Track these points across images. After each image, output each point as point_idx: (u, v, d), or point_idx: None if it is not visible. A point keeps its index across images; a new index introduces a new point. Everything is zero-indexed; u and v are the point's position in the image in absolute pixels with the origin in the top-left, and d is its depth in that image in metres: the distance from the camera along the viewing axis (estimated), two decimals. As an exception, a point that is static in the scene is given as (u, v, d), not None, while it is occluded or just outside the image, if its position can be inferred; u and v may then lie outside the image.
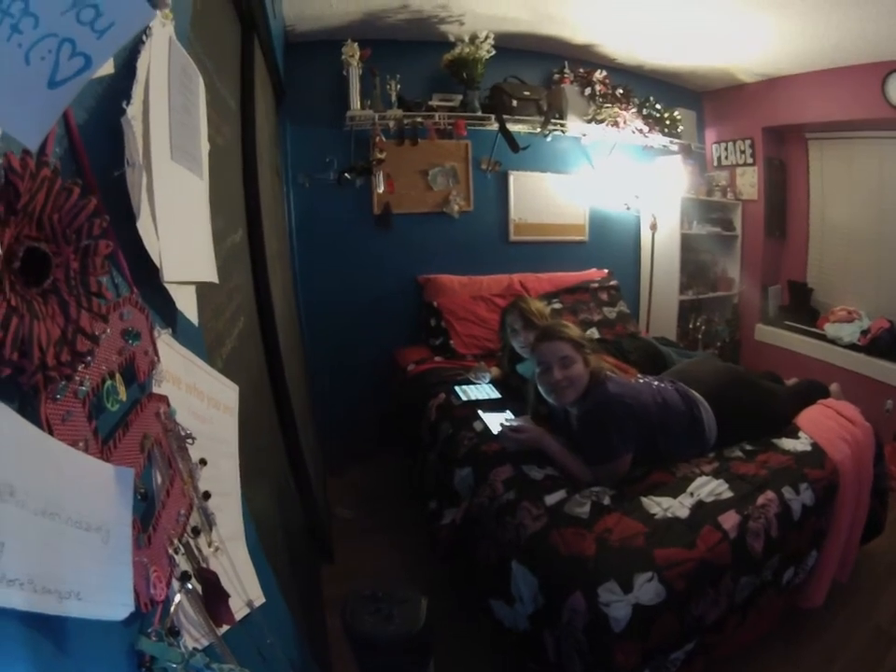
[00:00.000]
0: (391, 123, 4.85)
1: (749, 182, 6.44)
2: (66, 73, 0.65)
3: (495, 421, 3.44)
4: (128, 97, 0.91)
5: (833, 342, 5.61)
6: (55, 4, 0.64)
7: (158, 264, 0.97)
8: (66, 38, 0.65)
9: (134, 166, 0.90)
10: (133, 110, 0.91)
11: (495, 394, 4.01)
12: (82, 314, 0.69)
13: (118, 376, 0.82)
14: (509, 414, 3.52)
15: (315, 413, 4.85)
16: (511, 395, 3.93)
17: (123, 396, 0.84)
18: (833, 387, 3.98)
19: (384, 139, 4.86)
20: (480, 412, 3.64)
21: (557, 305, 5.11)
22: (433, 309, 5.07)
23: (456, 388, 4.03)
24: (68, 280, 0.68)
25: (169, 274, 1.01)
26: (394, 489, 4.68)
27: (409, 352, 5.05)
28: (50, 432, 0.64)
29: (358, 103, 4.67)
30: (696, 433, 3.16)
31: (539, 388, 3.19)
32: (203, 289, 1.35)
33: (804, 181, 6.36)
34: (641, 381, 3.31)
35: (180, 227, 1.12)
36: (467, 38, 4.79)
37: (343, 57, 4.53)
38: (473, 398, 3.92)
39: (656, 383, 3.29)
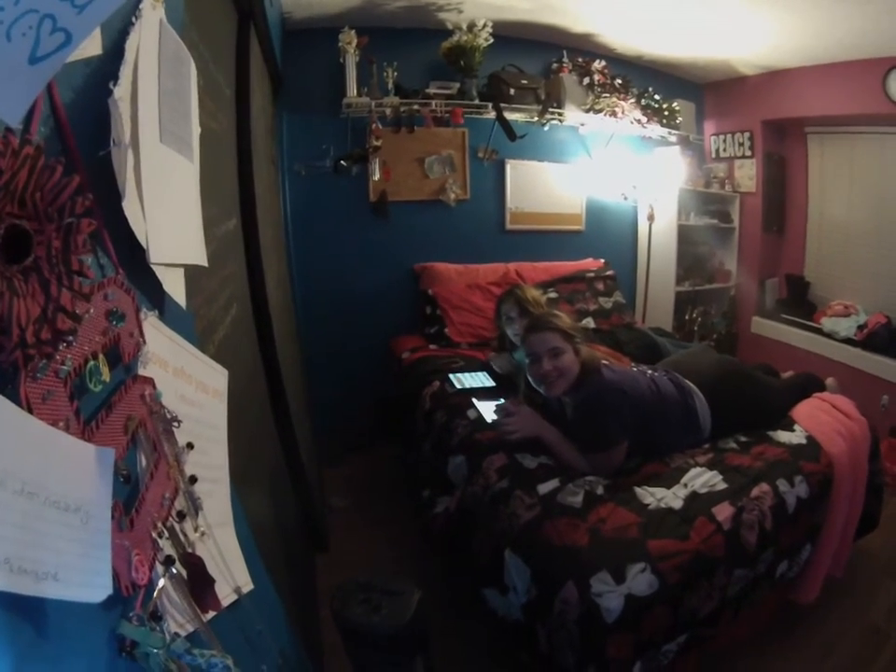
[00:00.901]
0: (388, 111, 4.84)
1: (748, 175, 6.45)
2: (47, 49, 0.64)
3: (489, 409, 3.44)
4: (115, 78, 0.90)
5: (829, 336, 5.63)
6: (34, -20, 0.64)
7: (144, 245, 0.96)
8: (47, 14, 0.64)
9: (120, 146, 0.89)
10: (121, 91, 0.90)
11: (489, 382, 4.01)
12: (63, 292, 0.68)
13: (101, 357, 0.82)
14: (503, 402, 3.52)
15: (311, 402, 4.85)
16: (508, 383, 3.92)
17: (107, 377, 0.83)
18: (830, 381, 3.98)
19: (380, 127, 4.85)
20: (474, 400, 3.64)
21: (553, 294, 5.11)
22: (429, 297, 5.08)
23: (451, 376, 4.03)
24: (50, 258, 0.67)
25: (156, 255, 1.00)
26: (389, 479, 4.69)
27: (404, 340, 5.06)
28: (30, 411, 0.64)
29: (355, 90, 4.66)
30: (691, 423, 3.17)
31: (530, 379, 3.19)
32: (193, 275, 1.35)
33: (802, 175, 6.37)
34: (636, 369, 3.33)
35: (169, 208, 1.12)
36: (465, 26, 4.79)
37: (341, 44, 4.52)
38: (468, 386, 3.92)
39: (650, 371, 3.30)
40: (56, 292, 0.67)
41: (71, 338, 0.72)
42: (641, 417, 2.99)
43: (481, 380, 4.03)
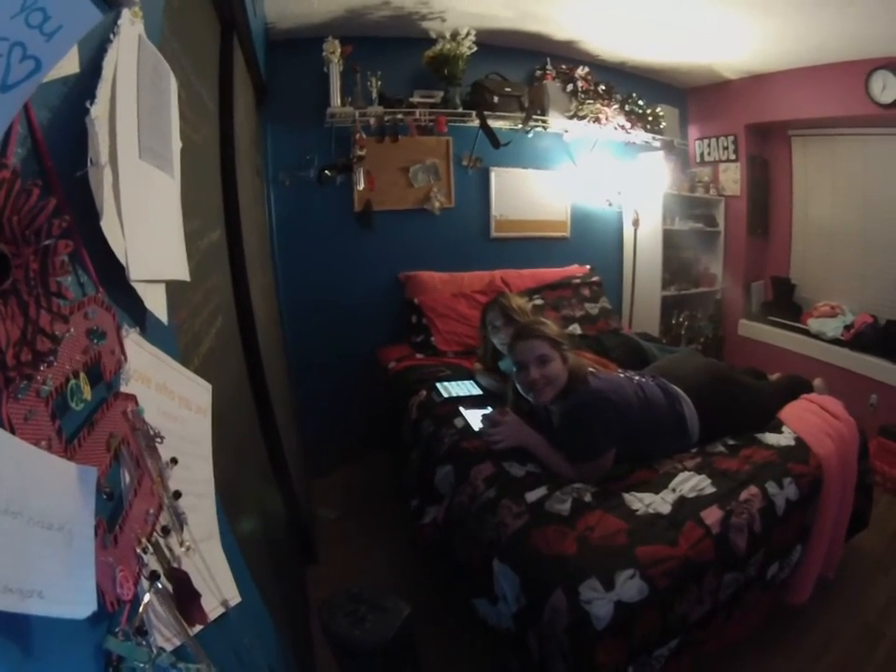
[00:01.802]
0: (372, 120, 4.85)
1: (732, 178, 6.49)
2: (18, 76, 0.65)
3: (476, 417, 3.44)
4: (92, 97, 0.91)
5: (816, 337, 5.66)
6: (5, 7, 0.64)
7: (124, 263, 0.96)
8: (17, 42, 0.64)
9: (97, 165, 0.89)
10: (98, 109, 0.90)
11: (476, 391, 4.01)
12: (42, 314, 0.69)
13: (82, 375, 0.82)
14: (490, 411, 3.52)
15: (299, 412, 4.85)
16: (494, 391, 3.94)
17: (88, 395, 0.83)
18: (817, 382, 4.00)
19: (364, 136, 4.84)
20: (461, 408, 3.64)
21: (539, 301, 5.11)
22: (414, 306, 5.08)
23: (437, 385, 4.03)
24: (28, 281, 0.67)
25: (136, 273, 1.00)
26: (379, 489, 4.70)
27: (390, 350, 5.06)
28: (12, 431, 0.64)
29: (339, 100, 4.66)
30: (679, 428, 3.17)
31: (518, 387, 3.19)
32: (177, 289, 1.35)
33: (787, 177, 6.41)
34: (622, 375, 3.32)
35: (149, 225, 1.12)
36: (448, 35, 4.81)
37: (324, 54, 4.52)
38: (454, 394, 3.91)
39: (637, 377, 3.30)
40: (35, 314, 0.67)
41: (52, 358, 0.72)
42: (628, 424, 2.99)
43: (467, 388, 4.03)
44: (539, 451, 3.06)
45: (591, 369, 3.20)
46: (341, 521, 4.26)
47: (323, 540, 3.92)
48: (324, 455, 5.01)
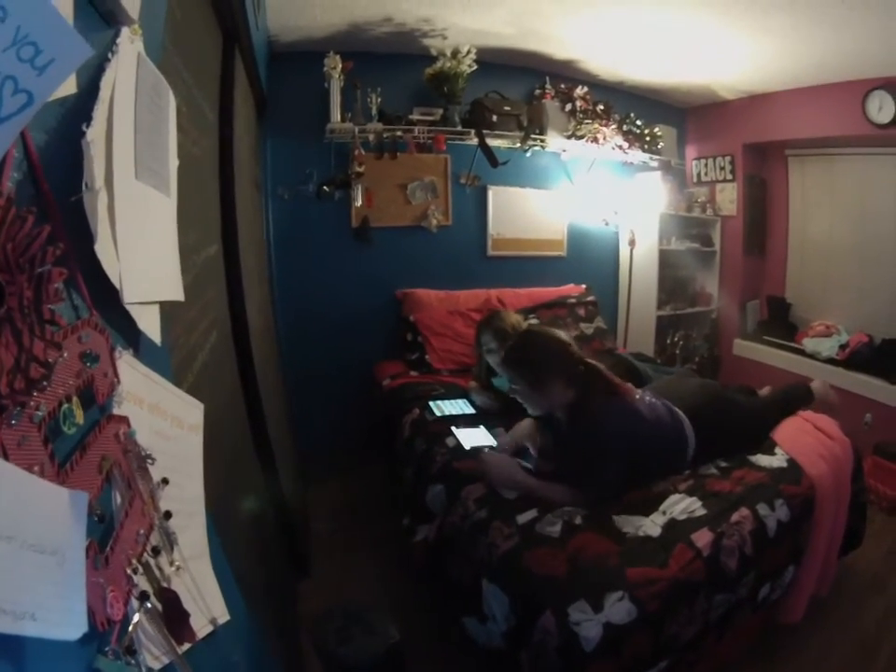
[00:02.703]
0: (371, 136, 4.85)
1: (729, 198, 6.50)
2: (10, 109, 0.65)
3: (468, 437, 3.45)
4: (89, 119, 0.91)
5: (811, 356, 5.66)
6: (-3, 42, 0.65)
7: (118, 286, 0.97)
8: (9, 76, 0.65)
9: (92, 190, 0.90)
10: (94, 132, 0.91)
11: (469, 409, 4.01)
12: (35, 342, 0.69)
13: (75, 399, 0.82)
14: (483, 430, 3.52)
15: (294, 427, 4.84)
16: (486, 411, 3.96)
17: (80, 419, 0.84)
18: (816, 384, 4.00)
19: (363, 153, 4.85)
20: (453, 428, 3.65)
21: (534, 320, 5.10)
22: (410, 324, 5.10)
23: (431, 404, 4.04)
24: (22, 308, 0.68)
25: (130, 296, 1.00)
26: (373, 503, 4.68)
27: (386, 366, 5.07)
28: (6, 457, 0.64)
29: (339, 115, 4.68)
30: (680, 452, 3.15)
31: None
32: (171, 307, 1.35)
33: (784, 197, 6.44)
34: (640, 399, 3.19)
35: (143, 247, 1.12)
36: (449, 52, 4.82)
37: (326, 69, 4.54)
38: (448, 413, 3.92)
39: (649, 398, 3.23)
40: (28, 342, 0.68)
41: (45, 383, 0.73)
42: (637, 454, 2.94)
43: (460, 407, 4.04)
44: (530, 488, 3.01)
45: (611, 386, 3.09)
46: (334, 534, 4.25)
47: (316, 554, 3.90)
48: (319, 467, 5.02)
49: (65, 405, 0.80)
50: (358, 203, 4.99)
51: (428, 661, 2.92)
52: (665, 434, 3.11)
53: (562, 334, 3.23)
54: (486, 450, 3.32)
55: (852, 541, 3.51)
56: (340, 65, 4.54)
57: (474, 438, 3.51)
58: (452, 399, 4.16)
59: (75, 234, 0.86)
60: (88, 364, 0.87)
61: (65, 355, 0.79)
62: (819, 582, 3.20)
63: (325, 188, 4.83)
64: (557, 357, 3.03)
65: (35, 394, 0.71)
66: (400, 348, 5.18)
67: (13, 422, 0.67)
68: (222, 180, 2.67)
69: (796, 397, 3.90)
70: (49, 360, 0.73)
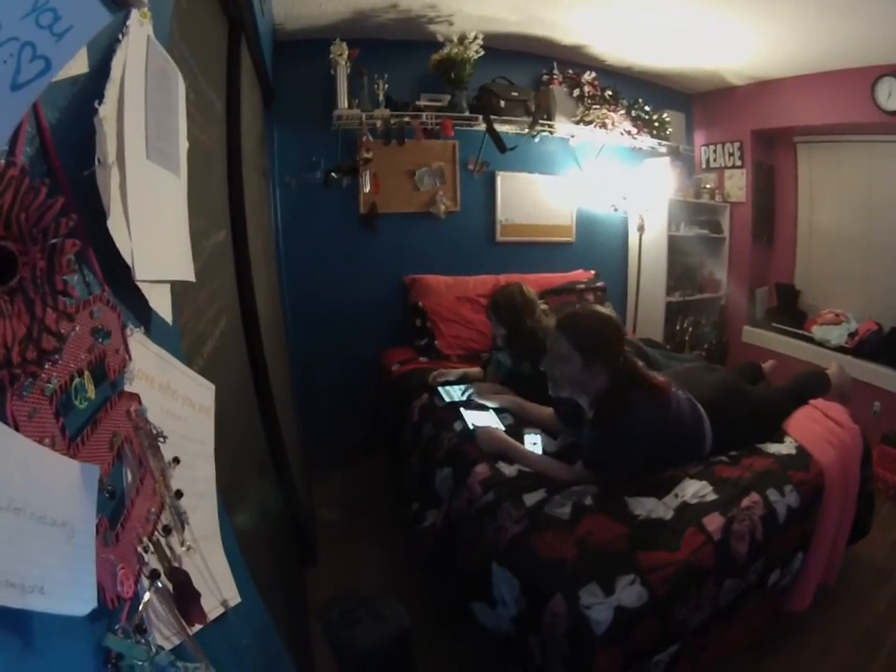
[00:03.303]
0: (378, 123, 4.84)
1: (737, 185, 6.46)
2: (28, 75, 0.65)
3: (476, 419, 3.47)
4: (101, 97, 0.91)
5: (820, 344, 5.62)
6: (16, 8, 0.65)
7: (129, 263, 0.97)
8: (27, 42, 0.65)
9: (105, 165, 0.89)
10: (106, 110, 0.91)
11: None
12: (48, 312, 0.69)
13: (87, 374, 0.82)
14: (491, 414, 3.52)
15: (301, 414, 4.85)
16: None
17: (92, 394, 0.84)
18: (833, 371, 4.00)
19: (370, 139, 4.86)
20: (462, 409, 3.65)
21: (543, 307, 5.09)
22: (418, 310, 5.10)
23: (440, 390, 4.03)
24: (34, 279, 0.68)
25: (141, 273, 1.00)
26: (380, 491, 4.69)
27: (394, 353, 5.08)
28: (17, 429, 0.64)
29: (346, 102, 4.67)
30: (697, 448, 3.13)
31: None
32: (181, 289, 1.35)
33: (792, 184, 6.40)
34: (674, 395, 3.11)
35: (155, 225, 1.12)
36: (455, 39, 4.80)
37: (332, 56, 4.53)
38: (456, 399, 3.91)
39: (680, 393, 3.16)
40: (41, 312, 0.68)
41: (56, 356, 0.73)
42: (662, 455, 2.95)
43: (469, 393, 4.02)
44: (521, 460, 3.06)
45: (649, 377, 3.04)
46: (341, 522, 4.25)
47: (323, 542, 3.92)
48: (326, 455, 5.03)
49: (77, 379, 0.80)
50: (366, 189, 5.00)
51: (436, 647, 2.92)
52: (687, 431, 3.09)
53: (619, 321, 3.19)
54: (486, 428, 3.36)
55: (860, 531, 3.50)
56: (346, 52, 4.53)
57: (481, 419, 3.52)
58: (461, 384, 4.15)
59: (87, 211, 0.86)
60: (100, 340, 0.87)
61: (77, 328, 0.79)
62: (826, 571, 3.19)
63: (332, 175, 4.83)
64: (612, 341, 2.97)
65: (47, 366, 0.71)
66: (409, 334, 5.19)
67: (24, 393, 0.67)
68: (230, 167, 2.67)
69: (812, 386, 3.87)
70: (62, 331, 0.72)
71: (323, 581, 3.51)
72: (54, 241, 0.71)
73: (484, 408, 3.67)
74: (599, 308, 3.35)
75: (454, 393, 4.00)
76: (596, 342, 2.93)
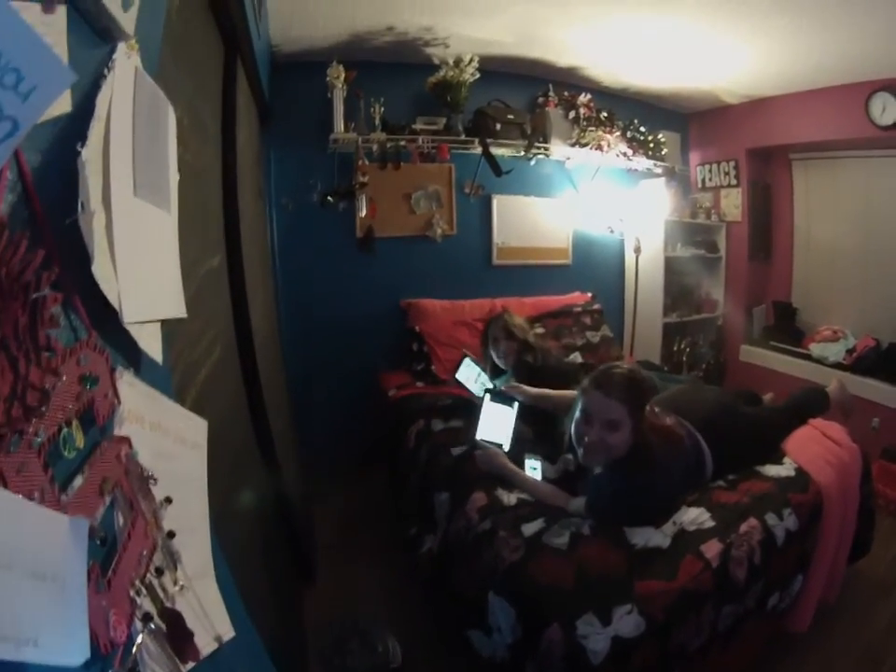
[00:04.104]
0: (374, 146, 4.87)
1: (734, 203, 6.49)
2: (-5, 137, 0.65)
3: (494, 417, 3.41)
4: (84, 138, 0.90)
5: (818, 361, 5.65)
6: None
7: (117, 307, 0.96)
8: (-8, 103, 0.65)
9: (87, 211, 0.89)
10: (89, 151, 0.89)
11: (489, 384, 4.01)
12: (32, 368, 0.69)
13: (74, 423, 0.81)
14: (514, 412, 3.43)
15: (299, 436, 4.85)
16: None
17: (80, 443, 0.83)
18: (833, 388, 4.01)
19: (367, 163, 4.88)
20: (487, 396, 3.49)
21: (540, 330, 5.11)
22: (415, 334, 5.12)
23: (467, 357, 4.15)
24: (17, 335, 0.67)
25: (129, 316, 0.99)
26: (378, 510, 4.69)
27: (392, 377, 5.09)
28: (5, 485, 0.64)
29: (342, 125, 4.70)
30: (700, 478, 3.09)
31: (570, 432, 2.89)
32: (174, 321, 1.34)
33: (788, 201, 6.44)
34: (680, 439, 3.03)
35: (143, 265, 1.11)
36: (451, 61, 4.84)
37: (328, 79, 4.56)
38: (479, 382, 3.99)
39: (682, 430, 3.09)
40: (25, 369, 0.67)
41: (43, 408, 0.72)
42: (664, 501, 2.87)
43: (483, 380, 4.06)
44: (520, 485, 3.05)
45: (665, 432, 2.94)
46: (340, 544, 4.24)
47: (321, 563, 3.92)
48: (324, 475, 5.03)
49: (65, 429, 0.79)
50: (363, 213, 5.02)
51: (435, 665, 2.91)
52: (689, 464, 3.03)
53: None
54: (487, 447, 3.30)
55: (861, 549, 3.51)
56: (343, 75, 4.56)
57: (499, 419, 3.39)
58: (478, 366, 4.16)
59: (72, 254, 0.85)
60: (87, 386, 0.86)
61: (64, 379, 0.79)
62: (826, 590, 3.19)
63: (328, 198, 4.85)
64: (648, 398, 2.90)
65: (33, 420, 0.71)
66: (406, 358, 5.19)
67: (12, 449, 0.66)
68: (225, 190, 2.67)
69: (810, 405, 3.87)
70: (47, 387, 0.72)
71: (322, 599, 3.51)
72: (36, 295, 0.71)
73: (509, 402, 3.48)
74: (630, 364, 3.38)
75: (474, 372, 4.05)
76: (643, 403, 2.82)
